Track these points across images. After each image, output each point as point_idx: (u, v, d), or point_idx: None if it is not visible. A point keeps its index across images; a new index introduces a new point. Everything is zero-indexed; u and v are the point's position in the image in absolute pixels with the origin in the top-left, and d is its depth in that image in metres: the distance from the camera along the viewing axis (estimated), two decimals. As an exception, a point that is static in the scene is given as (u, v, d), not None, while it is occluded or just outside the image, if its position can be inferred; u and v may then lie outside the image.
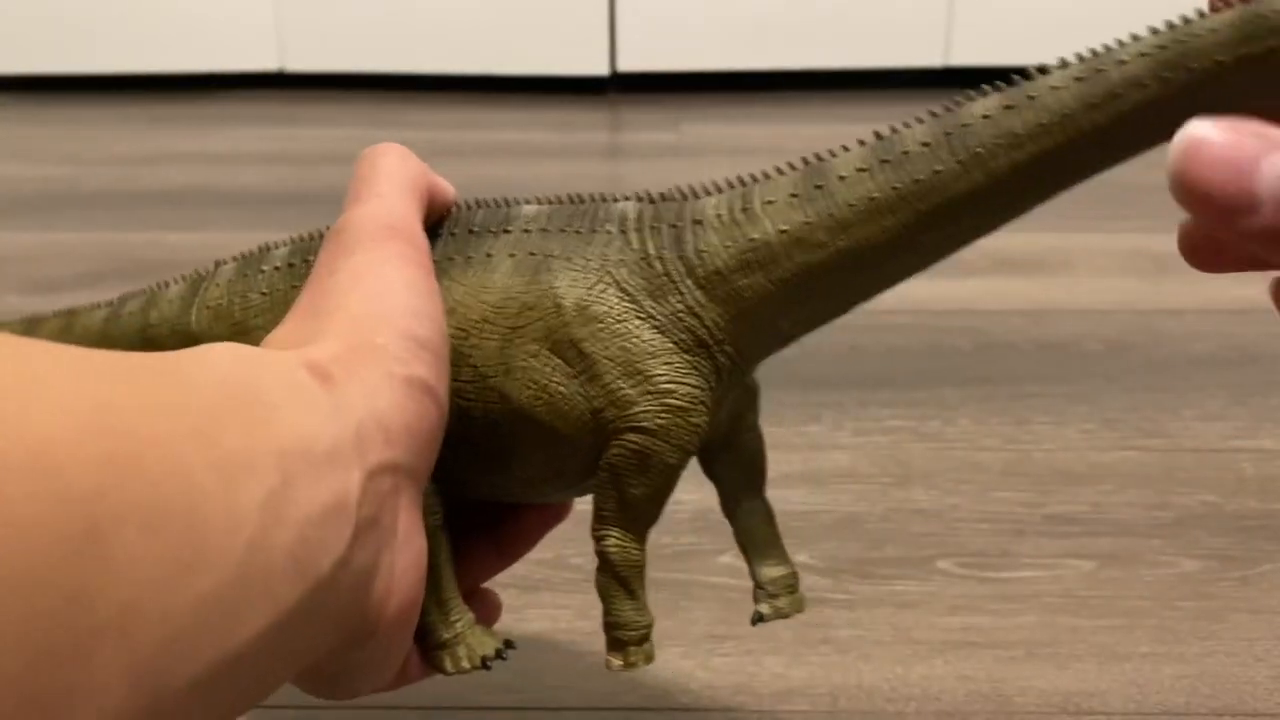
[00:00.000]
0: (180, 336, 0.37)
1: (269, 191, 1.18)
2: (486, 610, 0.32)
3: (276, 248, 0.36)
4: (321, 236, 0.33)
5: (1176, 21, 0.24)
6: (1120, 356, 0.73)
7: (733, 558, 0.51)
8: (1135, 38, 0.25)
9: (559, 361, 0.30)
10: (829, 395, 0.67)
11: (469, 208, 0.33)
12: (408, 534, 0.23)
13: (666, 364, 0.29)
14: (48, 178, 1.26)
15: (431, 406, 0.25)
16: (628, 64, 1.75)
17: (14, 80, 1.74)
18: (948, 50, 1.74)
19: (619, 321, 0.29)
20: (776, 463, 0.59)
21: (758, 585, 0.34)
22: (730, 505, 0.34)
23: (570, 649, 0.44)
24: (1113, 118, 0.25)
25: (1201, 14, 0.24)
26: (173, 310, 0.37)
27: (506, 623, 0.46)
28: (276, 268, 0.35)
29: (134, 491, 0.16)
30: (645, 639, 0.31)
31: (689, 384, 0.29)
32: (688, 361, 0.29)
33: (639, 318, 0.29)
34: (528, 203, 0.32)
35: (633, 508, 0.30)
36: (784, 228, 0.28)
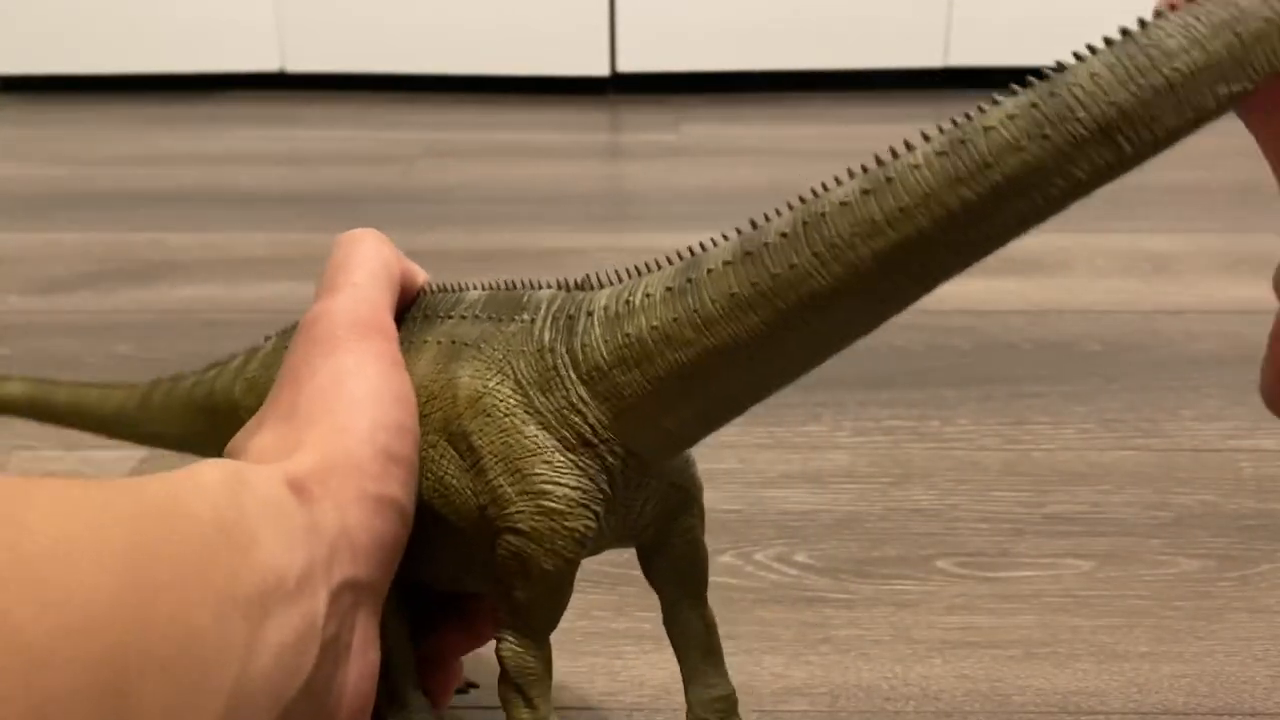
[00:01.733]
0: (227, 405, 0.38)
1: (270, 192, 1.18)
2: (447, 679, 0.33)
3: None
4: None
5: (1048, 72, 0.22)
6: (1119, 356, 0.73)
7: (733, 557, 0.51)
8: (995, 101, 0.22)
9: (453, 453, 0.29)
10: (829, 395, 0.67)
11: (432, 291, 0.32)
12: (363, 645, 0.25)
13: (545, 463, 0.27)
14: (49, 178, 1.26)
15: (398, 523, 0.26)
16: (628, 65, 1.75)
17: (15, 80, 1.74)
18: (947, 51, 1.74)
19: (506, 416, 0.28)
20: (776, 462, 0.59)
21: (689, 707, 0.32)
22: (668, 614, 0.32)
23: (570, 649, 0.44)
24: (986, 191, 0.22)
25: (1078, 56, 0.22)
26: (226, 381, 0.38)
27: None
28: None
29: (150, 641, 0.18)
30: None
31: (567, 485, 0.27)
32: (570, 461, 0.27)
33: (526, 412, 0.28)
34: (474, 289, 0.31)
35: (521, 612, 0.28)
36: (655, 324, 0.26)
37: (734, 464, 0.59)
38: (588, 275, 0.29)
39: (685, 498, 0.31)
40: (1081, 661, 0.44)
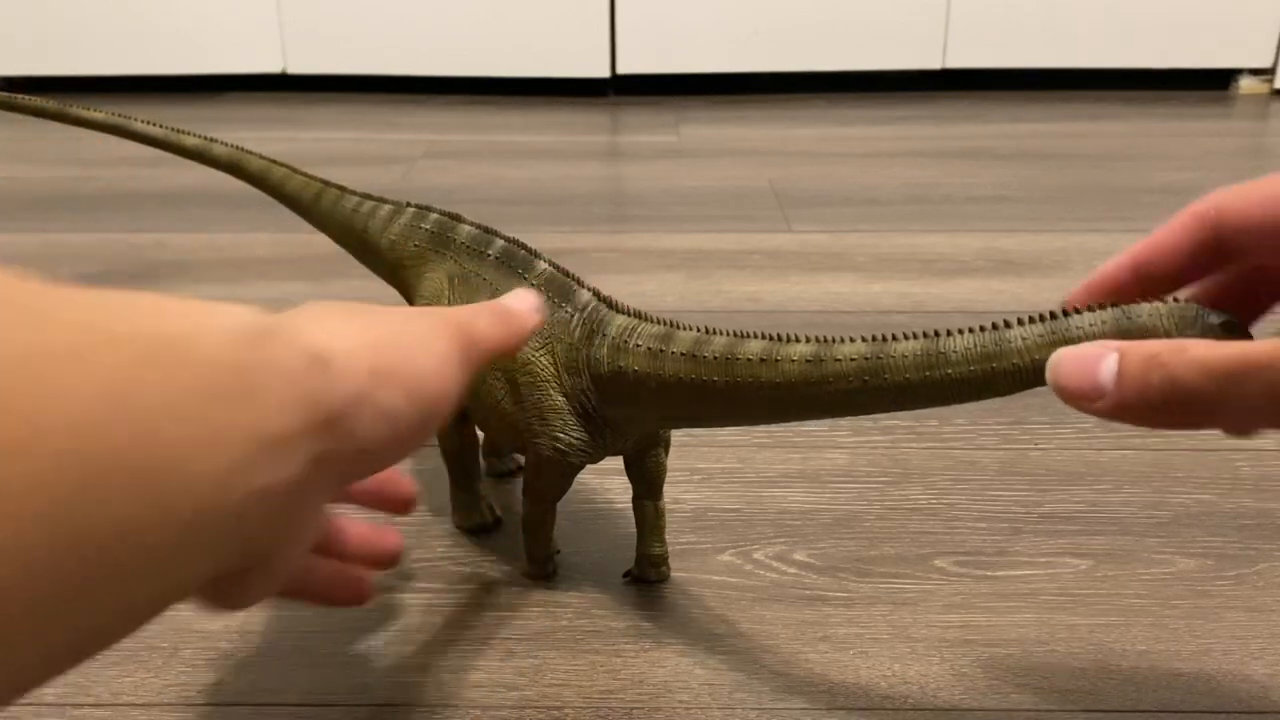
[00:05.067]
0: (374, 247, 0.52)
1: (271, 193, 1.18)
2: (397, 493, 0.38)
3: (462, 224, 0.48)
4: (502, 241, 0.46)
5: (881, 340, 0.34)
6: (1118, 357, 0.73)
7: (733, 556, 0.51)
8: (850, 339, 0.35)
9: (508, 389, 0.44)
10: (828, 395, 0.67)
11: (516, 244, 0.45)
12: (315, 511, 0.27)
13: (562, 419, 0.43)
14: (52, 179, 1.27)
15: (391, 440, 0.28)
16: (628, 66, 1.76)
17: (17, 81, 1.74)
18: (945, 53, 1.74)
19: (543, 381, 0.43)
20: (775, 462, 0.59)
21: (638, 556, 0.48)
22: (635, 499, 0.48)
23: (571, 647, 0.44)
24: (828, 395, 0.36)
25: (899, 337, 0.34)
26: (377, 227, 0.52)
27: (507, 621, 0.46)
28: (431, 232, 0.49)
29: (130, 456, 0.20)
30: (544, 560, 0.49)
31: (572, 437, 0.43)
32: (577, 422, 0.43)
33: (556, 383, 0.43)
34: (542, 261, 0.44)
35: (533, 490, 0.47)
36: (635, 368, 0.40)
37: (734, 463, 0.59)
38: (610, 297, 0.43)
39: (656, 438, 0.46)
40: (1079, 660, 0.44)
